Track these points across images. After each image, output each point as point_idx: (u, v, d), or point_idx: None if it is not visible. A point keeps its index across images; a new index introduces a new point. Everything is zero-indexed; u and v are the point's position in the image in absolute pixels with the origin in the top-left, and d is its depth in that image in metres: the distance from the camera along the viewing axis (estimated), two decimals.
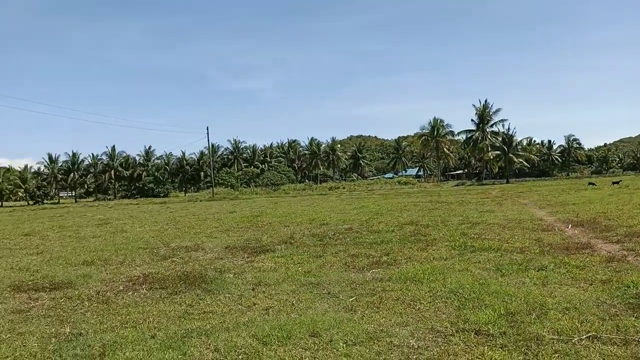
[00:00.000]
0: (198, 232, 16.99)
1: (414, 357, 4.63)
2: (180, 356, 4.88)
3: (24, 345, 5.40)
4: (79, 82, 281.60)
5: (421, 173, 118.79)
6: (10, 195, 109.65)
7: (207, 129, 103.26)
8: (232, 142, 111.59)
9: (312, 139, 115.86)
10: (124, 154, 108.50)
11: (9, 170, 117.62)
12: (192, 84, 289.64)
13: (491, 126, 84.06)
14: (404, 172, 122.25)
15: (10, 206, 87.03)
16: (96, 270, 10.08)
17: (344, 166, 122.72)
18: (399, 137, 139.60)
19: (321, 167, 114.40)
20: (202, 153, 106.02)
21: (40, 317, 6.58)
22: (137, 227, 20.48)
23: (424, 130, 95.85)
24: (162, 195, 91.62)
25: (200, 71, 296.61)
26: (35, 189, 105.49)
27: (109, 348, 5.18)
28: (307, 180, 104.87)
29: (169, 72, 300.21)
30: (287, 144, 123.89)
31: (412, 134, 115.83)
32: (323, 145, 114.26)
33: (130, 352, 5.03)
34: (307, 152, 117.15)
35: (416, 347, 4.87)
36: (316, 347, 4.95)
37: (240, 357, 4.80)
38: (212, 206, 39.79)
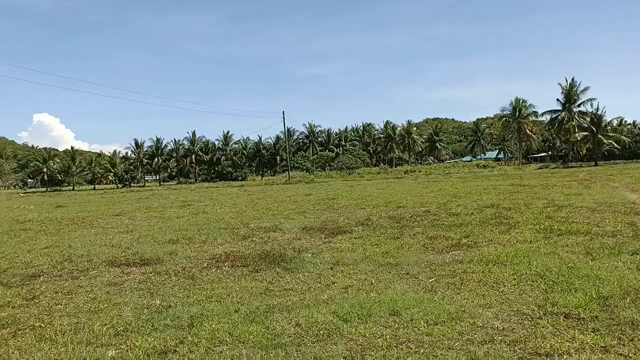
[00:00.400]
0: (276, 214, 17.33)
1: (499, 338, 4.50)
2: (263, 329, 5.01)
3: (120, 315, 5.75)
4: (161, 71, 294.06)
5: (501, 156, 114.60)
6: (102, 179, 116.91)
7: (283, 113, 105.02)
8: (308, 126, 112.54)
9: (387, 122, 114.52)
10: (204, 139, 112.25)
11: (100, 155, 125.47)
12: (268, 71, 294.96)
13: (578, 106, 79.38)
14: (482, 155, 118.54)
15: (102, 189, 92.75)
16: (181, 248, 10.54)
17: (420, 149, 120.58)
18: (478, 118, 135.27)
19: (396, 151, 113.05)
20: (278, 137, 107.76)
21: (133, 290, 6.97)
22: (218, 209, 21.18)
23: (504, 112, 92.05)
24: (240, 178, 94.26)
25: (276, 58, 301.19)
26: (123, 173, 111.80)
27: (196, 320, 5.40)
28: (381, 164, 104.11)
29: (245, 60, 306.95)
30: (361, 128, 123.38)
31: (492, 116, 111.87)
32: (398, 129, 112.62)
33: (216, 324, 5.22)
34: (381, 135, 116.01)
35: (501, 328, 4.73)
36: (397, 326, 4.92)
37: (321, 332, 4.86)
38: (288, 189, 40.44)
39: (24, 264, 9.37)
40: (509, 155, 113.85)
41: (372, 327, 4.93)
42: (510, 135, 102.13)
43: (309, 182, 57.56)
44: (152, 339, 4.84)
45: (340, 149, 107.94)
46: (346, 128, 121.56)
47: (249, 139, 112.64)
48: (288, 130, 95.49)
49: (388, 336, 4.66)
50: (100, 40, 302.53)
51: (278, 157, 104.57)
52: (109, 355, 4.48)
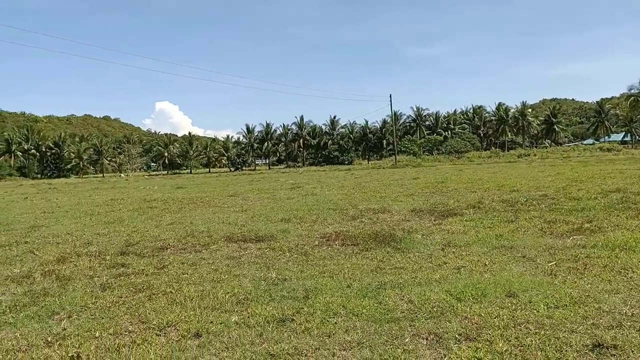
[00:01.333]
0: (384, 196, 17.34)
1: (628, 323, 4.22)
2: (375, 304, 5.08)
3: (240, 285, 6.11)
4: (271, 58, 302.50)
5: (628, 139, 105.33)
6: (216, 162, 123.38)
7: (390, 96, 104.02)
8: (415, 109, 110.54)
9: (499, 104, 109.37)
10: (311, 124, 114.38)
11: (214, 140, 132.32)
12: (375, 53, 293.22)
13: None
14: (606, 137, 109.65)
15: (216, 172, 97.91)
16: (293, 227, 10.91)
17: (535, 132, 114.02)
18: (602, 99, 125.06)
19: (509, 134, 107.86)
20: (384, 121, 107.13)
21: (250, 263, 7.36)
22: (326, 191, 21.59)
23: (632, 91, 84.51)
24: (346, 162, 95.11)
25: (383, 40, 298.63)
26: (235, 157, 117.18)
27: (311, 292, 5.60)
28: (492, 148, 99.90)
29: (352, 43, 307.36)
30: (471, 110, 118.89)
31: (618, 95, 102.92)
32: (512, 111, 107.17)
33: (330, 297, 5.38)
34: (493, 117, 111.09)
35: (630, 314, 4.43)
36: (514, 307, 4.78)
37: (434, 309, 4.84)
38: (395, 173, 40.19)
39: (153, 238, 10.20)
40: (637, 138, 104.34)
41: (488, 307, 4.83)
42: (639, 117, 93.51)
43: (416, 166, 56.76)
44: (271, 308, 5.10)
45: (449, 132, 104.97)
46: (455, 111, 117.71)
47: (355, 123, 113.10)
48: (395, 113, 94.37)
49: (505, 316, 4.54)
50: (215, 30, 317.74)
51: (384, 141, 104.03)
52: (233, 320, 4.79)
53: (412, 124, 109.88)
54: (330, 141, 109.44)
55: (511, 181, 21.11)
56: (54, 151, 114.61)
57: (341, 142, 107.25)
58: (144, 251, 8.69)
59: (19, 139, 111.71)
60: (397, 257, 7.39)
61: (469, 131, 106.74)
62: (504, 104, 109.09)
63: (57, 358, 4.03)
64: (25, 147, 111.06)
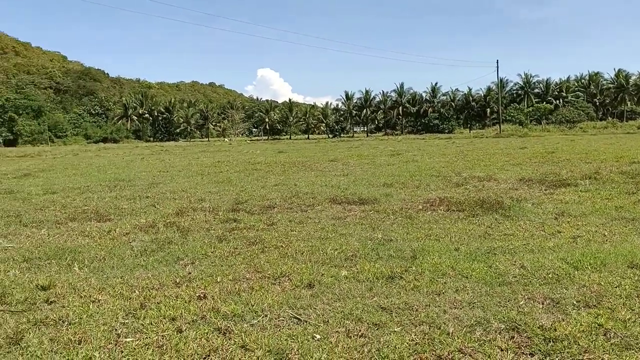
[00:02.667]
0: (488, 165, 16.78)
1: None
2: (486, 268, 5.01)
3: (347, 243, 6.25)
4: (367, 20, 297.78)
5: None
6: (314, 129, 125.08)
7: (497, 62, 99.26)
8: (523, 76, 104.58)
9: (619, 70, 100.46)
10: (411, 91, 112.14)
11: (313, 107, 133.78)
12: (480, 15, 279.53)
13: None
14: None
15: (315, 138, 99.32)
16: (395, 192, 10.90)
17: None
18: None
19: (629, 103, 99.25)
20: (489, 89, 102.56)
21: (355, 224, 7.49)
22: (427, 159, 21.25)
23: None
24: (446, 131, 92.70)
25: (489, 2, 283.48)
26: (334, 124, 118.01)
27: (418, 253, 5.63)
28: (609, 118, 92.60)
29: (456, 4, 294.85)
30: (587, 77, 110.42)
31: None
32: (633, 77, 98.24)
33: (438, 258, 5.37)
34: (611, 85, 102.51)
35: None
36: (637, 278, 4.52)
37: (549, 275, 4.69)
38: (500, 142, 38.60)
39: (260, 197, 10.64)
40: None
41: (608, 276, 4.60)
42: None
43: (522, 136, 54.06)
44: (379, 265, 5.19)
45: (560, 100, 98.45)
46: (568, 78, 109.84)
47: (457, 91, 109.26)
48: (501, 80, 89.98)
49: (627, 286, 4.32)
50: None
51: (488, 110, 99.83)
52: (343, 274, 4.95)
53: (519, 92, 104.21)
54: (430, 109, 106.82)
55: (632, 152, 19.58)
56: (164, 116, 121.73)
57: (442, 110, 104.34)
58: (253, 209, 9.10)
59: (134, 104, 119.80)
60: (506, 224, 7.19)
61: (583, 100, 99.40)
62: (624, 70, 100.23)
63: (186, 297, 4.39)
64: (140, 112, 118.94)
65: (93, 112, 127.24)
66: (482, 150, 27.10)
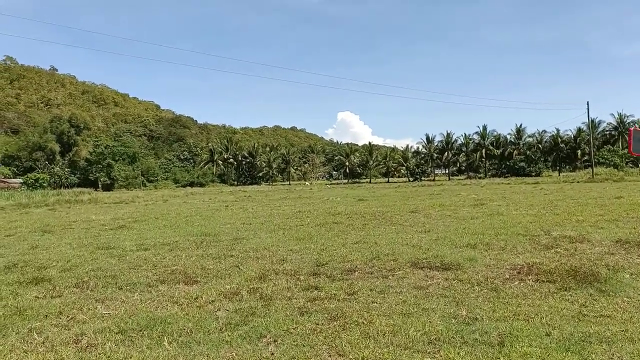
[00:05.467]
0: (580, 220, 15.89)
1: None
2: None
3: (430, 322, 6.09)
4: (454, 65, 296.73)
5: None
6: (395, 172, 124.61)
7: (587, 103, 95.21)
8: (616, 116, 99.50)
9: None
10: (495, 133, 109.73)
11: (393, 150, 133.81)
12: (568, 54, 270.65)
13: None
14: None
15: (395, 182, 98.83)
16: (479, 254, 10.54)
17: None
18: None
19: None
20: (579, 129, 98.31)
21: (439, 296, 7.29)
22: (513, 210, 20.47)
23: None
24: (533, 174, 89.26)
25: (579, 39, 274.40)
26: (414, 167, 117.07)
27: (506, 338, 5.37)
28: None
29: (542, 44, 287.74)
30: None
31: None
32: None
33: (527, 347, 5.10)
34: None
35: None
36: None
37: None
38: (592, 189, 36.57)
39: (341, 258, 10.65)
40: None
41: None
42: None
43: (618, 181, 50.97)
44: (464, 353, 5.01)
45: None
46: None
47: (544, 132, 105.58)
48: (592, 121, 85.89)
49: None
50: (399, 38, 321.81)
51: (579, 152, 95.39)
52: None
53: (612, 133, 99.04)
54: (515, 151, 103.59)
55: None
56: (248, 160, 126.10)
57: (528, 152, 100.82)
58: (334, 273, 9.12)
59: (220, 149, 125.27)
60: (601, 301, 6.73)
61: None
62: None
63: None
64: (225, 157, 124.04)
65: (182, 157, 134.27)
66: (572, 199, 25.75)
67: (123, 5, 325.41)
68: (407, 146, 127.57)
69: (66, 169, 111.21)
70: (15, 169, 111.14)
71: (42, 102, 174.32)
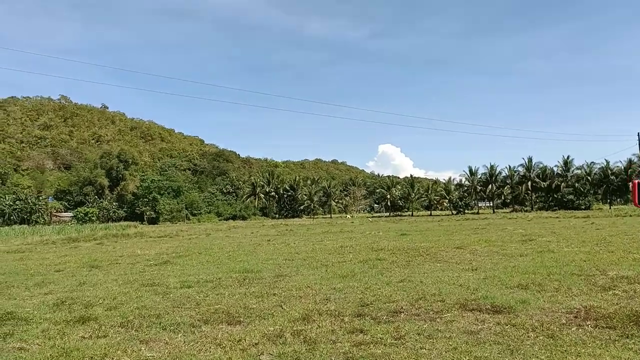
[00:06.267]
0: (637, 259, 15.10)
1: None
2: None
3: None
4: (497, 95, 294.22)
5: None
6: (437, 205, 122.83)
7: (639, 134, 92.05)
8: None
9: None
10: (541, 165, 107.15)
11: (435, 182, 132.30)
12: (616, 84, 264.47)
13: None
14: None
15: (437, 215, 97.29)
16: (532, 296, 10.06)
17: None
18: None
19: None
20: (629, 161, 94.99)
21: (491, 343, 6.93)
22: (564, 247, 19.69)
23: None
24: (583, 207, 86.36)
25: (627, 68, 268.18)
26: (457, 200, 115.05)
27: None
28: None
29: (588, 74, 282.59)
30: None
31: None
32: None
33: None
34: None
35: None
36: None
37: None
38: None
39: (386, 298, 10.37)
40: None
41: None
42: None
43: None
44: None
45: None
46: None
47: (593, 164, 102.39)
48: None
49: None
50: (443, 71, 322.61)
51: (630, 184, 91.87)
52: None
53: None
54: (563, 183, 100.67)
55: None
56: (289, 193, 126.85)
57: (576, 184, 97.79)
58: (379, 314, 8.86)
59: (261, 183, 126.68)
60: None
61: None
62: None
63: None
64: (267, 190, 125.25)
65: (225, 190, 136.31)
66: (627, 235, 24.62)
67: (170, 46, 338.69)
68: (450, 178, 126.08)
69: (114, 203, 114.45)
70: (66, 203, 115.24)
71: (93, 139, 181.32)
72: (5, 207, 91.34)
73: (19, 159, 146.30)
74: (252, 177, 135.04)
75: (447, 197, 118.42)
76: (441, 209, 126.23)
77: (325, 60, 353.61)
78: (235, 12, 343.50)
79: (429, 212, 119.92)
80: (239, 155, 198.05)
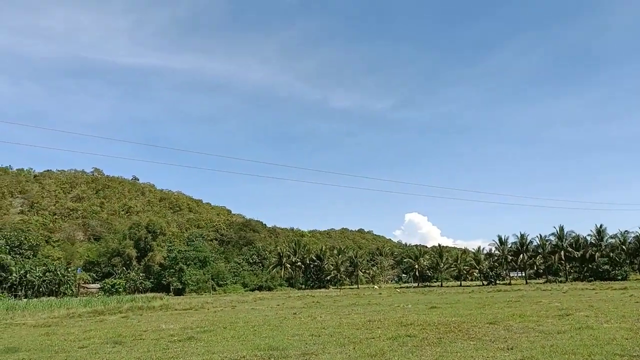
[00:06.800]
0: None
1: None
2: None
3: None
4: (521, 164, 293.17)
5: None
6: (467, 275, 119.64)
7: None
8: None
9: None
10: (573, 234, 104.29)
11: (465, 252, 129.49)
12: None
13: None
14: None
15: (467, 285, 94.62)
16: None
17: None
18: None
19: None
20: None
21: None
22: (604, 323, 18.74)
23: None
24: (619, 278, 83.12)
25: None
26: (488, 270, 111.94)
27: None
28: None
29: (616, 141, 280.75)
30: None
31: None
32: None
33: None
34: None
35: None
36: None
37: None
38: None
39: None
40: None
41: None
42: None
43: None
44: None
45: None
46: None
47: (627, 232, 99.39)
48: None
49: None
50: (464, 141, 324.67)
51: None
52: None
53: None
54: (597, 253, 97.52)
55: None
56: (316, 263, 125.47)
57: (611, 254, 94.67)
58: None
59: (288, 252, 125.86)
60: None
61: None
62: None
63: None
64: (293, 260, 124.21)
65: (251, 261, 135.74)
66: None
67: (200, 118, 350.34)
68: (479, 248, 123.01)
69: (141, 274, 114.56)
70: (94, 275, 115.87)
71: (123, 210, 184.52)
72: (35, 279, 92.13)
73: (50, 231, 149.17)
74: (279, 247, 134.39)
75: (477, 267, 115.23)
76: (471, 279, 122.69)
77: (351, 131, 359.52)
78: (263, 87, 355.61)
79: (458, 283, 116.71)
80: (265, 225, 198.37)
